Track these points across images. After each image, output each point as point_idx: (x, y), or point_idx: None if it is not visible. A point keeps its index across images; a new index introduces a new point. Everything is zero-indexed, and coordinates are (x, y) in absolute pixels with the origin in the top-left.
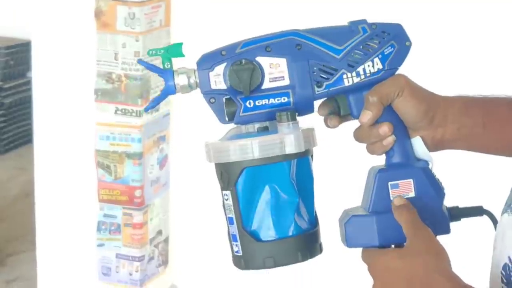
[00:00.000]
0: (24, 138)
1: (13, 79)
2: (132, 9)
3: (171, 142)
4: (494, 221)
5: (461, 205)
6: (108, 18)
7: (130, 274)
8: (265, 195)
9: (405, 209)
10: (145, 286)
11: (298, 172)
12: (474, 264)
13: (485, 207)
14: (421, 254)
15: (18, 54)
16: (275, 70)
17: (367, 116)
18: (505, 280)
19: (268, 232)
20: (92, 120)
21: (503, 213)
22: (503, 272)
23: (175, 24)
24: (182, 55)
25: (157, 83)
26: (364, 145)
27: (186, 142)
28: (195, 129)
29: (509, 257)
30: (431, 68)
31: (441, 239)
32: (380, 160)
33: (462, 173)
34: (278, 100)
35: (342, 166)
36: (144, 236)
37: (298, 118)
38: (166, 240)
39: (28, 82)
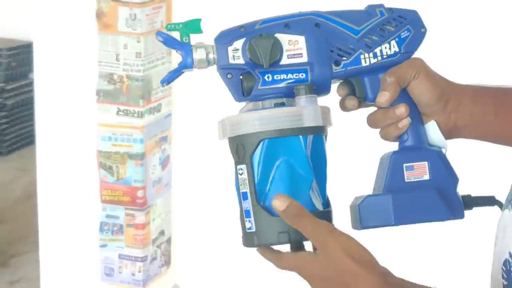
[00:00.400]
0: (26, 139)
1: (15, 80)
2: (133, 10)
3: (173, 143)
4: None
5: (473, 195)
6: (109, 19)
7: (133, 275)
8: (281, 169)
9: (299, 217)
10: (147, 287)
11: (313, 150)
12: (476, 259)
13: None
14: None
15: (20, 55)
16: (294, 47)
17: (385, 96)
18: (505, 276)
19: None
20: (94, 121)
21: (504, 209)
22: (504, 268)
23: None
24: (201, 31)
25: (159, 84)
26: (376, 134)
27: (188, 143)
28: (197, 129)
29: (509, 253)
30: (441, 61)
31: (453, 224)
32: (391, 149)
33: (462, 171)
34: (296, 76)
35: (352, 156)
36: (146, 237)
37: None
38: (168, 241)
39: (30, 84)
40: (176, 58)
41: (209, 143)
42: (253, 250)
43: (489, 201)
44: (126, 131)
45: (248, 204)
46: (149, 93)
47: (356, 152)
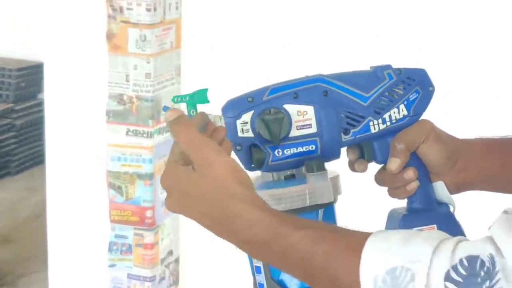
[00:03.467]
0: (35, 159)
1: (24, 100)
2: (143, 31)
3: None
4: None
5: None
6: (119, 40)
7: None
8: None
9: (179, 124)
10: None
11: (324, 220)
12: None
13: None
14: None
15: (29, 76)
16: (303, 118)
17: (396, 164)
18: None
19: (296, 282)
20: (104, 141)
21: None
22: None
23: (185, 46)
24: (207, 101)
25: (168, 104)
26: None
27: None
28: None
29: None
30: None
31: None
32: (398, 202)
33: (459, 199)
34: (306, 148)
35: (361, 207)
36: (155, 257)
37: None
38: (177, 261)
39: (39, 104)
40: (185, 79)
41: None
42: None
43: None
44: (136, 151)
45: (261, 278)
46: (158, 113)
47: (366, 201)
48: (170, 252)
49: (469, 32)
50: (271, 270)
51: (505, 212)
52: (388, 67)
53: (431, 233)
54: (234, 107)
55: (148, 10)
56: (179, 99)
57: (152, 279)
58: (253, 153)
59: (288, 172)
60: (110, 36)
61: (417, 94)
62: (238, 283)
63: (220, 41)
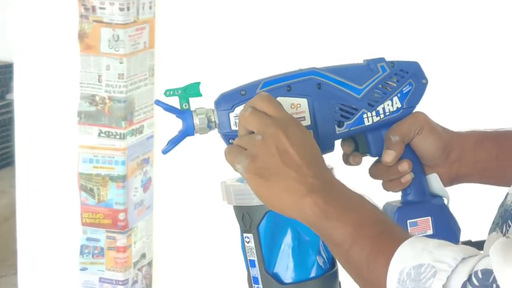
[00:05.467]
0: (4, 161)
1: None
2: (116, 31)
3: (155, 165)
4: None
5: (473, 239)
6: (91, 40)
7: None
8: (288, 237)
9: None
10: None
11: None
12: None
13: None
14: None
15: None
16: (296, 111)
17: (391, 156)
18: None
19: (291, 274)
20: (75, 142)
21: (490, 232)
22: None
23: (159, 46)
24: (200, 95)
25: (141, 105)
26: (378, 181)
27: (170, 165)
28: (178, 151)
29: None
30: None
31: None
32: (392, 195)
33: (453, 191)
34: None
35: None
36: (127, 260)
37: None
38: (149, 264)
39: (8, 105)
40: (159, 78)
41: (191, 165)
42: (235, 273)
43: None
44: (108, 153)
45: (256, 272)
46: (131, 115)
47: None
48: (143, 255)
49: (461, 24)
50: (265, 263)
51: (507, 237)
52: (381, 59)
53: (469, 247)
54: (227, 100)
55: (121, 9)
56: (171, 92)
57: (124, 282)
58: None
59: None
60: (82, 35)
61: (411, 87)
62: (211, 285)
63: (194, 40)
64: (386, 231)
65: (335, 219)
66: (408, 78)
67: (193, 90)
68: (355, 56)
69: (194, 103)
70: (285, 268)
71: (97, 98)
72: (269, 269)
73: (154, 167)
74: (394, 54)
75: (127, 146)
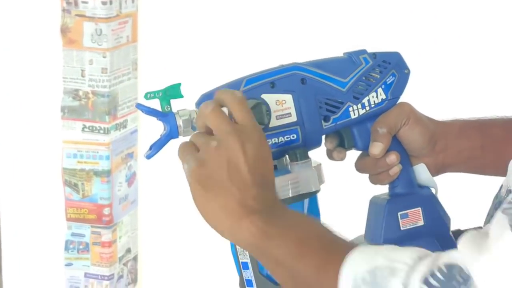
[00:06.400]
0: None
1: None
2: (99, 25)
3: (139, 159)
4: None
5: (462, 228)
6: (74, 35)
7: None
8: None
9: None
10: None
11: (308, 209)
12: None
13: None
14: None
15: None
16: (282, 107)
17: (379, 148)
18: None
19: None
20: (59, 138)
21: (486, 223)
22: None
23: (142, 39)
24: (181, 96)
25: (124, 99)
26: (365, 174)
27: (154, 159)
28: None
29: None
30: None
31: None
32: (379, 189)
33: (442, 186)
34: (287, 138)
35: (341, 195)
36: (113, 255)
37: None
38: (135, 258)
39: None
40: (142, 72)
41: (175, 159)
42: (221, 267)
43: None
44: (92, 148)
45: (249, 274)
46: (115, 109)
47: (345, 190)
48: (128, 250)
49: (438, 9)
50: (259, 265)
51: (476, 229)
52: (363, 51)
53: (421, 249)
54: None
55: (104, 3)
56: (152, 95)
57: (110, 277)
58: None
59: None
60: (64, 30)
61: (394, 77)
62: (198, 279)
63: (177, 34)
64: (333, 242)
65: (277, 237)
66: (390, 68)
67: (173, 91)
68: (333, 49)
69: (175, 104)
70: None
71: (81, 93)
72: (263, 271)
73: (138, 162)
74: (369, 45)
75: (111, 141)
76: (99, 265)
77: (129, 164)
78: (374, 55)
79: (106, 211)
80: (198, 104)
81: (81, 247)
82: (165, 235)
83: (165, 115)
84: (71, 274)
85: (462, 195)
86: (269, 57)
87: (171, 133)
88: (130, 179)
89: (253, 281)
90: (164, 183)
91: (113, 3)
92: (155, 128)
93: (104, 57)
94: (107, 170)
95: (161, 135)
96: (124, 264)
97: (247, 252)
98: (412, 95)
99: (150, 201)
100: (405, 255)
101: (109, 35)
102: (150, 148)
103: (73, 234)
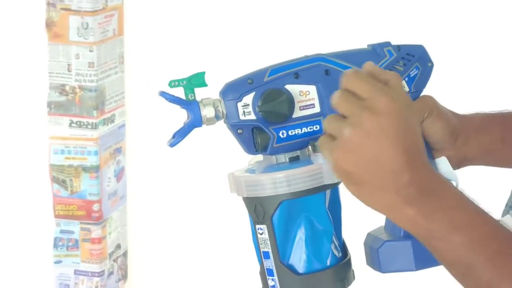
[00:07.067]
0: None
1: None
2: (85, 19)
3: (127, 154)
4: None
5: None
6: (60, 29)
7: None
8: (302, 227)
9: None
10: None
11: (330, 202)
12: None
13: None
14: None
15: None
16: (305, 98)
17: None
18: None
19: (306, 265)
20: (46, 134)
21: (504, 214)
22: None
23: (128, 33)
24: (205, 85)
25: (112, 94)
26: None
27: (142, 153)
28: (150, 139)
29: None
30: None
31: None
32: None
33: (461, 175)
34: (310, 128)
35: None
36: (103, 251)
37: None
38: (125, 254)
39: None
40: (129, 66)
41: (163, 153)
42: (212, 265)
43: None
44: (80, 144)
45: (270, 263)
46: (102, 104)
47: None
48: (118, 246)
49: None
50: (280, 254)
51: None
52: (387, 44)
53: None
54: (234, 90)
55: None
56: (176, 83)
57: (100, 274)
58: (257, 136)
59: (293, 155)
60: (49, 24)
61: (417, 70)
62: (188, 274)
63: (163, 26)
64: (505, 248)
65: (442, 240)
66: (414, 61)
67: (198, 80)
68: (356, 40)
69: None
70: (300, 258)
71: (67, 88)
72: (284, 260)
73: (127, 156)
74: (394, 38)
75: (99, 136)
76: (89, 261)
77: (117, 159)
78: (398, 47)
79: (95, 207)
80: (223, 92)
81: (70, 244)
82: (154, 230)
83: (189, 104)
84: (61, 272)
85: (482, 188)
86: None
87: (195, 122)
88: (119, 174)
89: (274, 271)
90: (152, 178)
91: None
92: (142, 122)
93: (91, 51)
94: (95, 165)
95: (184, 123)
96: (114, 260)
97: (268, 242)
98: (434, 88)
99: (138, 195)
100: None
101: (96, 28)
102: (174, 136)
103: (62, 231)
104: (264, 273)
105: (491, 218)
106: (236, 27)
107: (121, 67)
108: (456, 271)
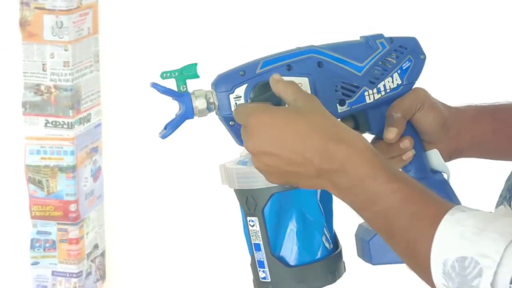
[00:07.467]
0: None
1: None
2: (59, 17)
3: (103, 153)
4: None
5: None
6: (34, 28)
7: None
8: (293, 219)
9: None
10: None
11: (321, 193)
12: None
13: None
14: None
15: None
16: None
17: (393, 132)
18: None
19: (297, 257)
20: (21, 134)
21: (498, 205)
22: None
23: (103, 31)
24: (197, 76)
25: (87, 93)
26: None
27: (119, 152)
28: (127, 138)
29: None
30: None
31: None
32: None
33: (452, 167)
34: None
35: None
36: (81, 252)
37: None
38: (102, 254)
39: None
40: (104, 64)
41: (139, 152)
42: (191, 263)
43: None
44: (56, 143)
45: (261, 255)
46: (78, 103)
47: None
48: (96, 246)
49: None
50: (271, 246)
51: None
52: (380, 36)
53: (507, 225)
54: (226, 82)
55: None
56: (168, 74)
57: (78, 275)
58: None
59: None
60: (23, 23)
61: (410, 63)
62: (166, 273)
63: (137, 24)
64: (421, 211)
65: (365, 210)
66: (407, 54)
67: (190, 71)
68: (349, 32)
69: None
70: (291, 250)
71: (42, 88)
72: (275, 253)
73: (103, 156)
74: (387, 30)
75: (76, 136)
76: (67, 262)
77: (94, 159)
78: (391, 39)
79: (72, 207)
80: (215, 84)
81: (47, 245)
82: (132, 229)
83: (180, 95)
84: (38, 273)
85: (473, 180)
86: (257, 44)
87: (187, 113)
88: (96, 174)
89: (265, 263)
90: (129, 177)
91: None
92: (118, 121)
93: (66, 50)
94: (72, 165)
95: (176, 115)
96: (92, 261)
97: (259, 234)
98: (427, 80)
99: (115, 195)
100: (492, 247)
101: (70, 27)
102: (165, 128)
103: (38, 232)
104: (255, 265)
105: (405, 182)
106: (226, 18)
107: (96, 66)
108: (384, 237)
